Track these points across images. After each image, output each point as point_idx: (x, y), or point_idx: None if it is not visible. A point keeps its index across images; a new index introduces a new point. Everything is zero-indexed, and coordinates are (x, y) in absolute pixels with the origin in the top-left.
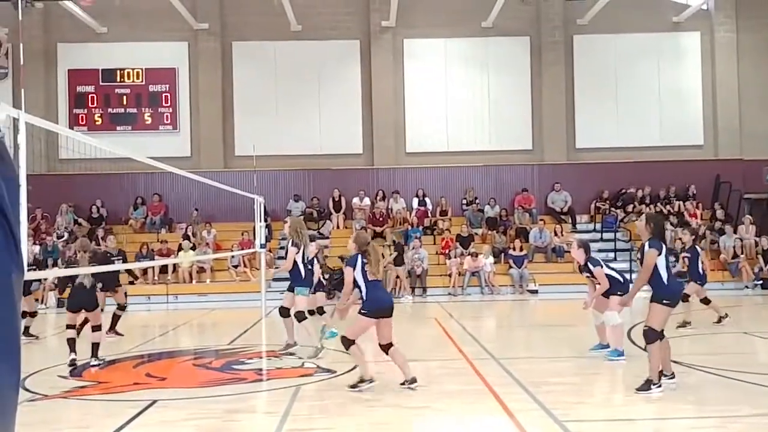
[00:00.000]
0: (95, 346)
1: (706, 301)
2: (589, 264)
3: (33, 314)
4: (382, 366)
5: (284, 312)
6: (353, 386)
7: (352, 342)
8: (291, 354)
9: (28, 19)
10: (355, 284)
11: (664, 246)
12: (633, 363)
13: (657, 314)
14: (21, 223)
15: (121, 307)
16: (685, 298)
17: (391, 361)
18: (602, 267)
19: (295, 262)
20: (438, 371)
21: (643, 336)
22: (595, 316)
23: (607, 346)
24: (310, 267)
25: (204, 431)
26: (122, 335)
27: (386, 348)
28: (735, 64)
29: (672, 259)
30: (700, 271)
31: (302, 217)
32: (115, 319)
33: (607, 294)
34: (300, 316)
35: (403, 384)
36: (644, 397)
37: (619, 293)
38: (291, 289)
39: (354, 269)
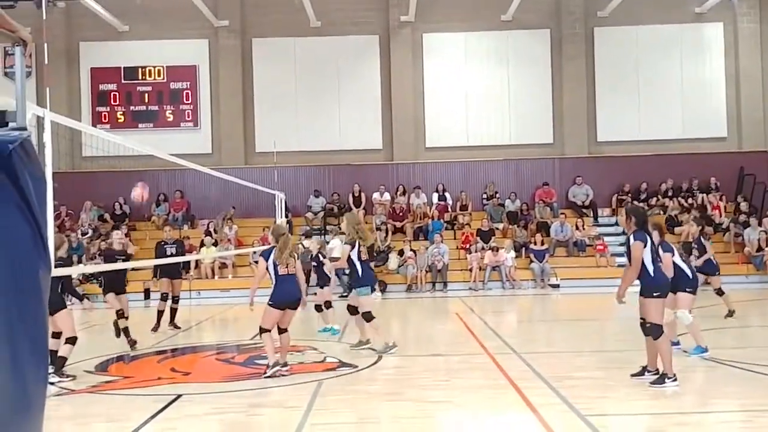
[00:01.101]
0: (60, 358)
1: (720, 292)
2: (660, 248)
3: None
4: (404, 360)
5: (352, 310)
6: (268, 375)
7: (267, 330)
8: (370, 349)
9: (50, 18)
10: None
11: (649, 238)
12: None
13: (653, 308)
14: (48, 221)
15: (175, 300)
16: (720, 292)
17: (417, 354)
18: (672, 254)
19: (351, 261)
20: (460, 366)
21: (647, 333)
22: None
23: (678, 343)
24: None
25: (228, 425)
26: (179, 328)
27: (282, 331)
28: (759, 55)
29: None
30: (714, 261)
31: (322, 213)
32: (173, 312)
33: (675, 290)
34: (368, 317)
35: (284, 365)
36: (666, 392)
37: (688, 290)
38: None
39: (267, 261)
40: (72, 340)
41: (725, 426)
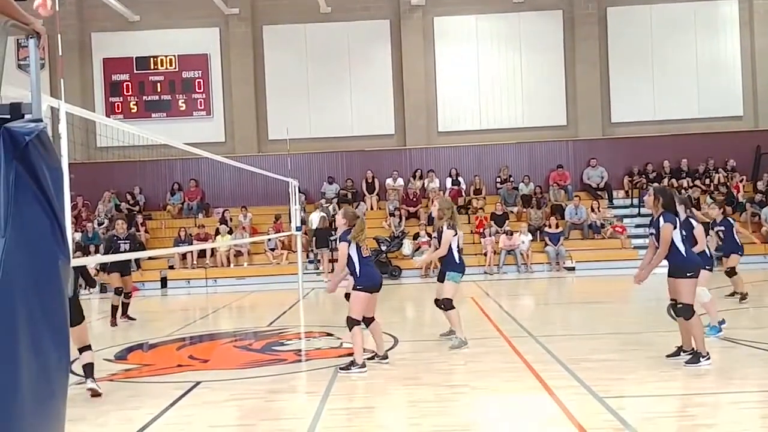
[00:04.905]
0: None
1: (732, 272)
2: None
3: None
4: (420, 345)
5: (439, 304)
6: (348, 371)
7: (357, 322)
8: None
9: (62, 10)
10: (350, 260)
11: (678, 219)
12: (673, 338)
13: (686, 288)
14: (65, 211)
15: (126, 295)
16: (732, 272)
17: (433, 338)
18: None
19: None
20: (476, 350)
21: (680, 313)
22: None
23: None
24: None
25: (247, 411)
26: (134, 319)
27: (368, 321)
28: None
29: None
30: (738, 242)
31: (336, 199)
32: (125, 306)
33: None
34: (448, 305)
35: (371, 359)
36: (684, 372)
37: (706, 267)
38: (441, 280)
39: (349, 245)
40: (88, 348)
41: (743, 406)
